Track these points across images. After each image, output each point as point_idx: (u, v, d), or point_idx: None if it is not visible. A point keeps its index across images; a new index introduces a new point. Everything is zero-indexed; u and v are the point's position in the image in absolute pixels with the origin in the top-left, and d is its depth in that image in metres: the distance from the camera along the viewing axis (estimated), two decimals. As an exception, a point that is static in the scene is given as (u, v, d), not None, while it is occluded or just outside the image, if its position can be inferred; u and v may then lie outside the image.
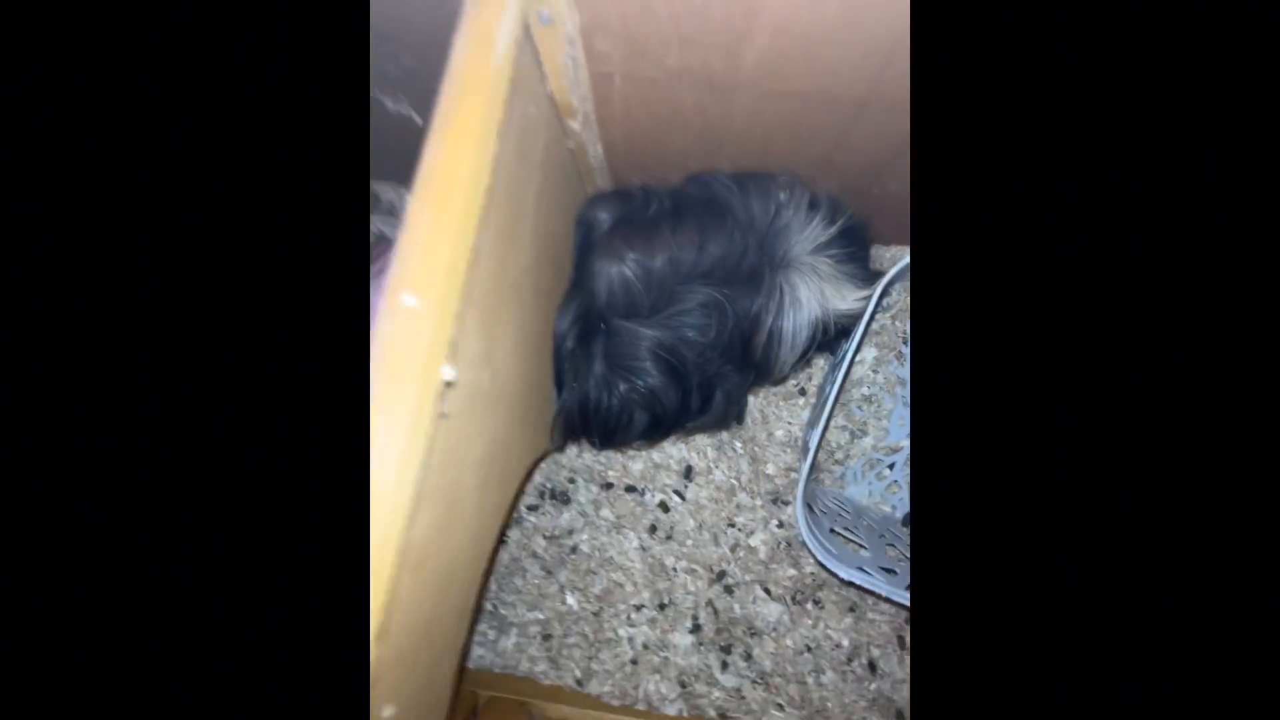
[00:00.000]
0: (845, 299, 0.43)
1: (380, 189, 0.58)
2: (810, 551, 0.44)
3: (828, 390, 0.46)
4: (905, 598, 0.41)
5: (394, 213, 0.58)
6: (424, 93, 0.26)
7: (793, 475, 0.56)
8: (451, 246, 0.24)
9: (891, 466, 0.55)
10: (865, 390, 0.55)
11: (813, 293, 0.44)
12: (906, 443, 0.54)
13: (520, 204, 0.33)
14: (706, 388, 0.49)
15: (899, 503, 0.54)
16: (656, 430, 0.51)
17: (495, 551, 0.57)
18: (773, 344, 0.45)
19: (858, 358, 0.55)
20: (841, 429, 0.55)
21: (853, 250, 0.44)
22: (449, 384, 0.25)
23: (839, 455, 0.55)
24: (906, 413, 0.54)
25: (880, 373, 0.55)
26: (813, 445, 0.44)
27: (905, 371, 0.55)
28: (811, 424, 0.47)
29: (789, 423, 0.57)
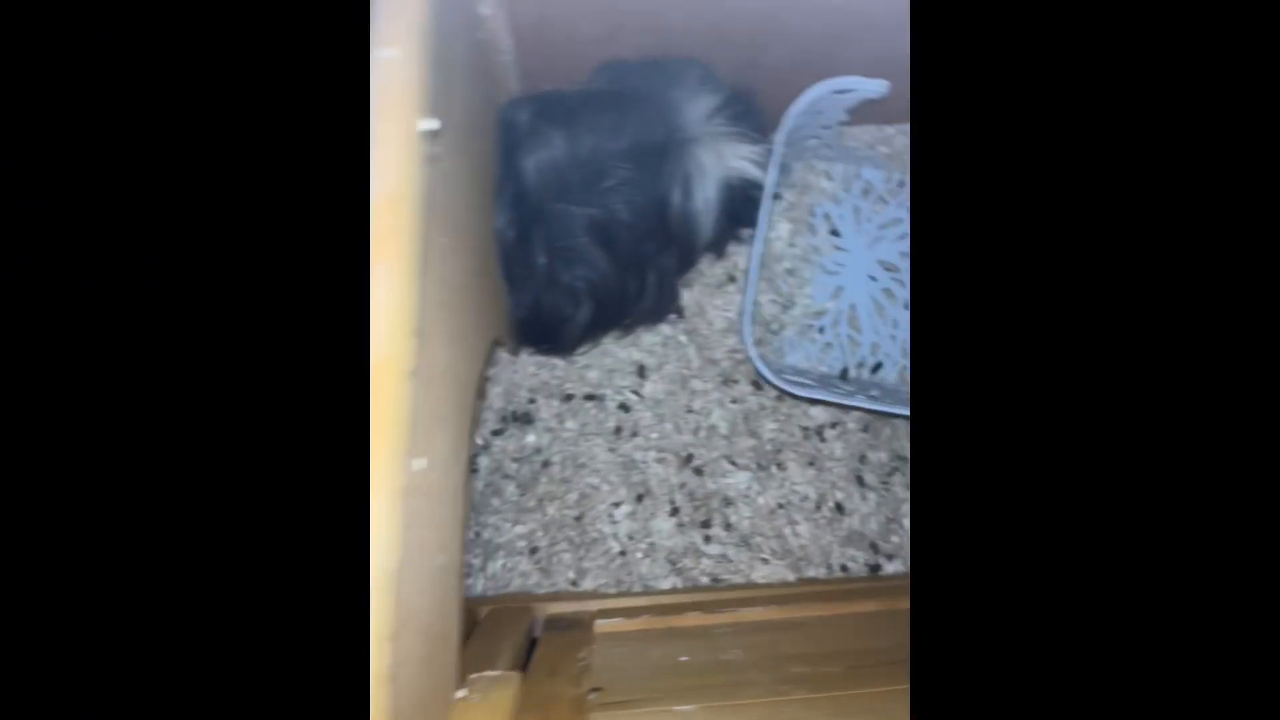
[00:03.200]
0: (742, 154, 0.47)
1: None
2: (770, 382, 0.48)
3: (750, 262, 0.51)
4: (862, 401, 0.47)
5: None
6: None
7: (737, 357, 0.60)
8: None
9: (821, 330, 0.60)
10: (786, 264, 0.60)
11: (713, 157, 0.48)
12: (830, 304, 0.60)
13: (446, 99, 0.34)
14: (639, 271, 0.52)
15: (834, 361, 0.59)
16: (599, 322, 0.54)
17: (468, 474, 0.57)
18: (690, 214, 0.49)
19: (774, 234, 0.60)
20: (773, 302, 0.60)
21: (741, 111, 0.49)
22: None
23: (774, 326, 0.60)
24: (826, 278, 0.60)
25: (797, 245, 0.60)
26: (746, 307, 0.49)
27: (819, 240, 0.60)
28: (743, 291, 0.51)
29: (724, 310, 0.61)
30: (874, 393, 0.53)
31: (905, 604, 0.47)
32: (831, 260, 0.60)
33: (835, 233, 0.60)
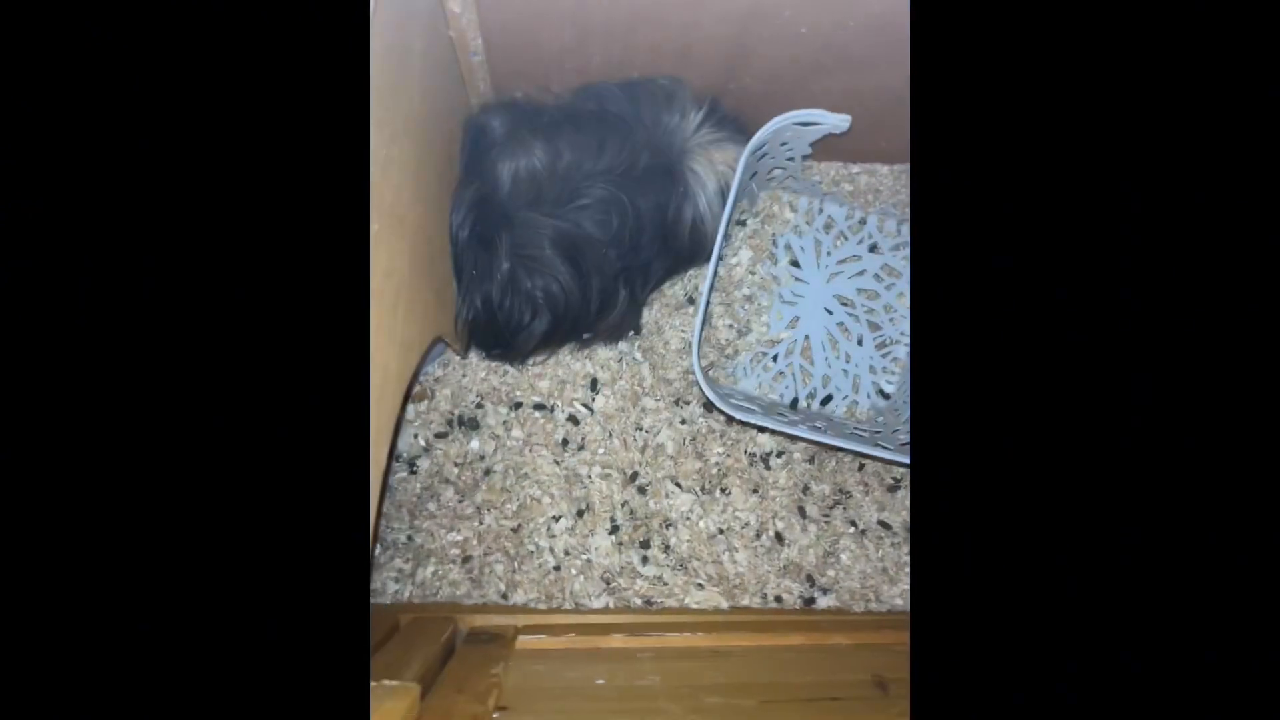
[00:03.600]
0: (730, 158, 0.48)
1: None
2: (715, 404, 0.48)
3: (703, 285, 0.51)
4: (805, 432, 0.47)
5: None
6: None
7: (690, 378, 0.59)
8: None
9: (775, 358, 0.60)
10: (745, 290, 0.60)
11: (707, 166, 0.48)
12: (786, 334, 0.60)
13: (396, 89, 0.34)
14: (607, 290, 0.52)
15: (785, 390, 0.59)
16: (555, 333, 0.53)
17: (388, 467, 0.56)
18: (698, 225, 0.50)
19: (735, 260, 0.60)
20: (729, 327, 0.60)
21: (722, 118, 0.49)
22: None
23: (729, 351, 0.60)
24: (783, 307, 0.60)
25: (757, 273, 0.60)
26: (697, 327, 0.49)
27: (779, 270, 0.60)
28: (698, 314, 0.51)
29: (682, 331, 0.60)
30: (819, 424, 0.53)
31: (834, 639, 0.47)
32: (789, 290, 0.60)
33: (795, 264, 0.60)
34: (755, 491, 0.58)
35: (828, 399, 0.59)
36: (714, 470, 0.58)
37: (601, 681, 0.38)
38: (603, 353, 0.59)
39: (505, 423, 0.57)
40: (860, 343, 0.60)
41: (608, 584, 0.54)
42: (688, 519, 0.57)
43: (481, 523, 0.55)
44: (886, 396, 0.59)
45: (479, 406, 0.58)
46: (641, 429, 0.58)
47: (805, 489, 0.58)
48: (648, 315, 0.60)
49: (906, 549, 0.57)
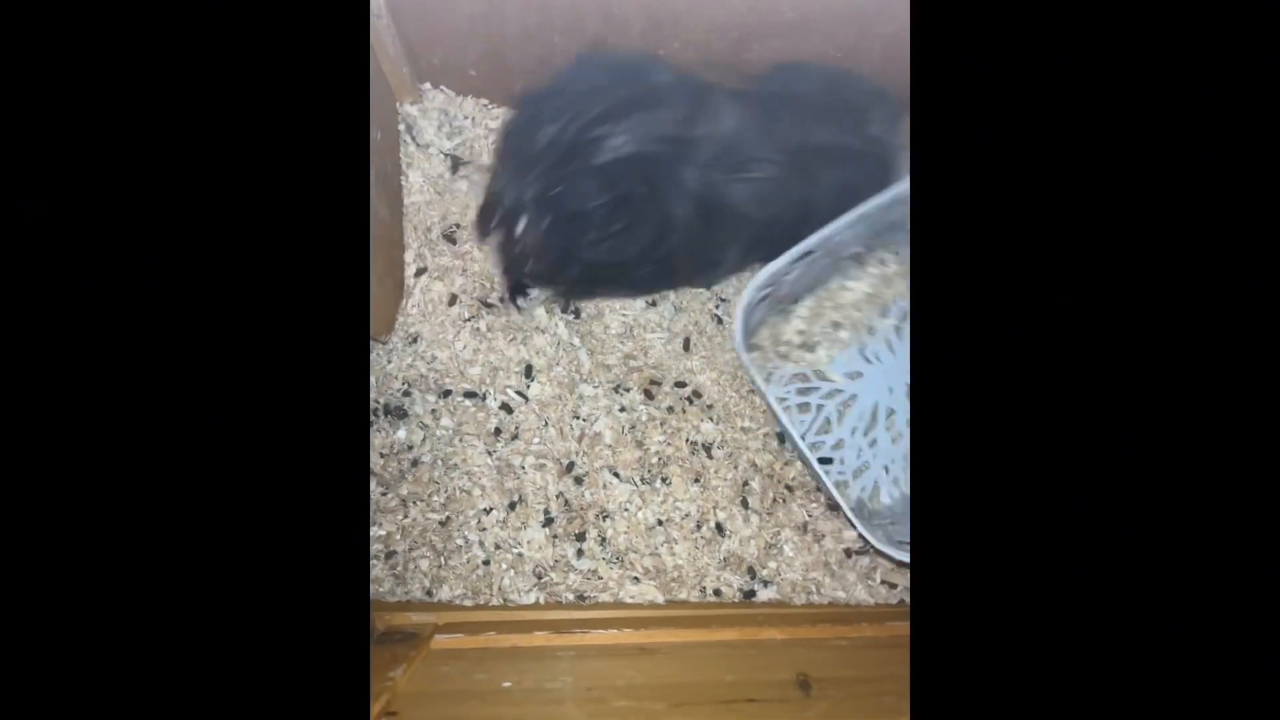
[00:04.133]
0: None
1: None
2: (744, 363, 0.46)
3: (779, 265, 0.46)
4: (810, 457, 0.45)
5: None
6: None
7: (631, 364, 0.57)
8: None
9: (810, 391, 0.57)
10: (838, 316, 0.57)
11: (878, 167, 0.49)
12: (838, 378, 0.57)
13: None
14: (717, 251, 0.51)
15: (796, 421, 0.57)
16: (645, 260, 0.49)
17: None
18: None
19: (850, 284, 0.57)
20: (799, 333, 0.57)
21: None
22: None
23: (781, 349, 0.57)
24: (858, 357, 0.57)
25: (861, 311, 0.57)
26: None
27: (880, 325, 0.57)
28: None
29: (622, 314, 0.58)
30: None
31: (766, 633, 0.45)
32: (873, 350, 0.58)
33: (898, 330, 0.58)
34: (697, 481, 0.55)
35: (828, 460, 0.56)
36: (654, 459, 0.55)
37: (508, 684, 0.36)
38: (538, 339, 0.57)
39: (434, 411, 0.55)
40: (895, 441, 0.56)
41: (539, 579, 0.52)
42: (626, 510, 0.54)
43: (407, 516, 0.52)
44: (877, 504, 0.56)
45: (406, 394, 0.55)
46: (579, 417, 0.56)
47: (746, 481, 0.56)
48: (588, 300, 0.57)
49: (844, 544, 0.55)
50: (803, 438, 0.55)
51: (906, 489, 0.55)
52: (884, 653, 0.41)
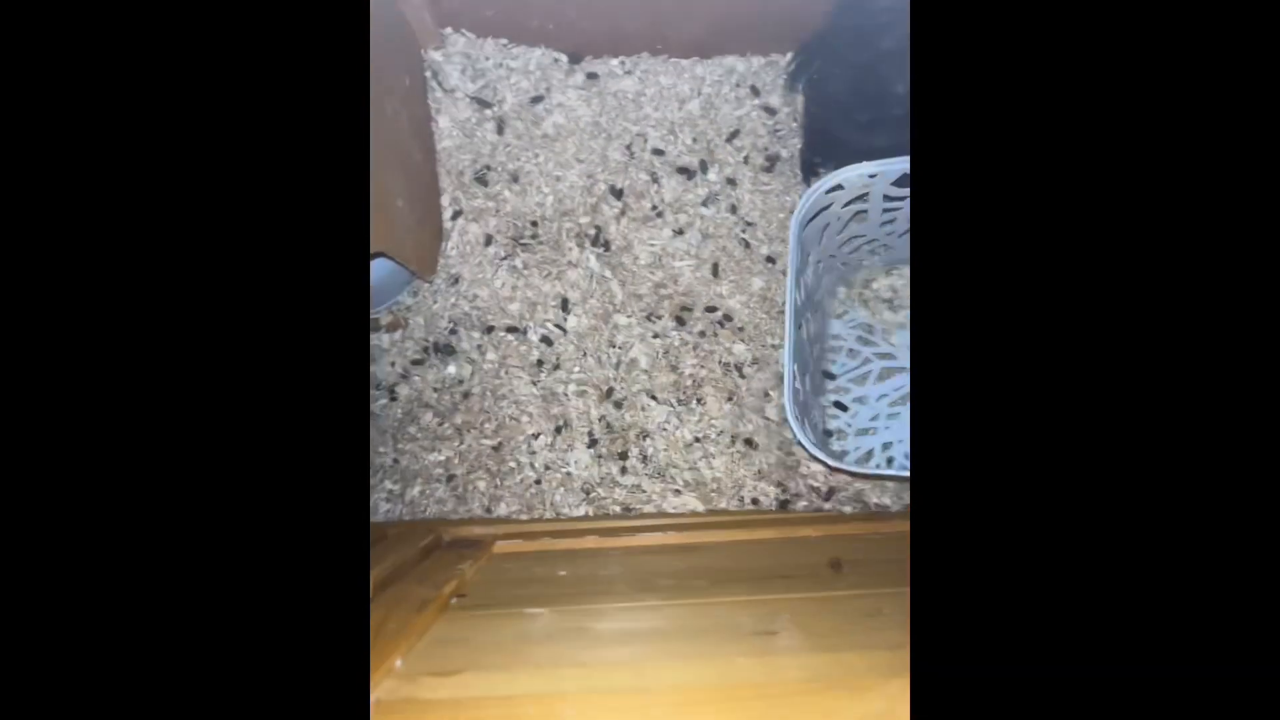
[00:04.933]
0: None
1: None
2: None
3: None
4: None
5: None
6: None
7: (661, 292, 0.59)
8: None
9: (851, 403, 0.58)
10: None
11: None
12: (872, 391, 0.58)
13: None
14: None
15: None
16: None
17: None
18: None
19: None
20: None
21: None
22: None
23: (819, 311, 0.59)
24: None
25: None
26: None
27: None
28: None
29: (650, 244, 0.60)
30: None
31: (803, 532, 0.48)
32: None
33: None
34: (730, 399, 0.58)
35: (843, 407, 0.57)
36: (688, 381, 0.58)
37: (564, 573, 0.40)
38: (571, 273, 0.59)
39: (479, 347, 0.58)
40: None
41: (587, 494, 0.56)
42: (664, 429, 0.57)
43: (462, 443, 0.57)
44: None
45: (453, 333, 0.59)
46: (615, 345, 0.59)
47: (766, 393, 0.58)
48: (614, 230, 0.60)
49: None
50: (833, 376, 0.57)
51: (885, 468, 0.55)
52: (897, 545, 0.43)
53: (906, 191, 0.47)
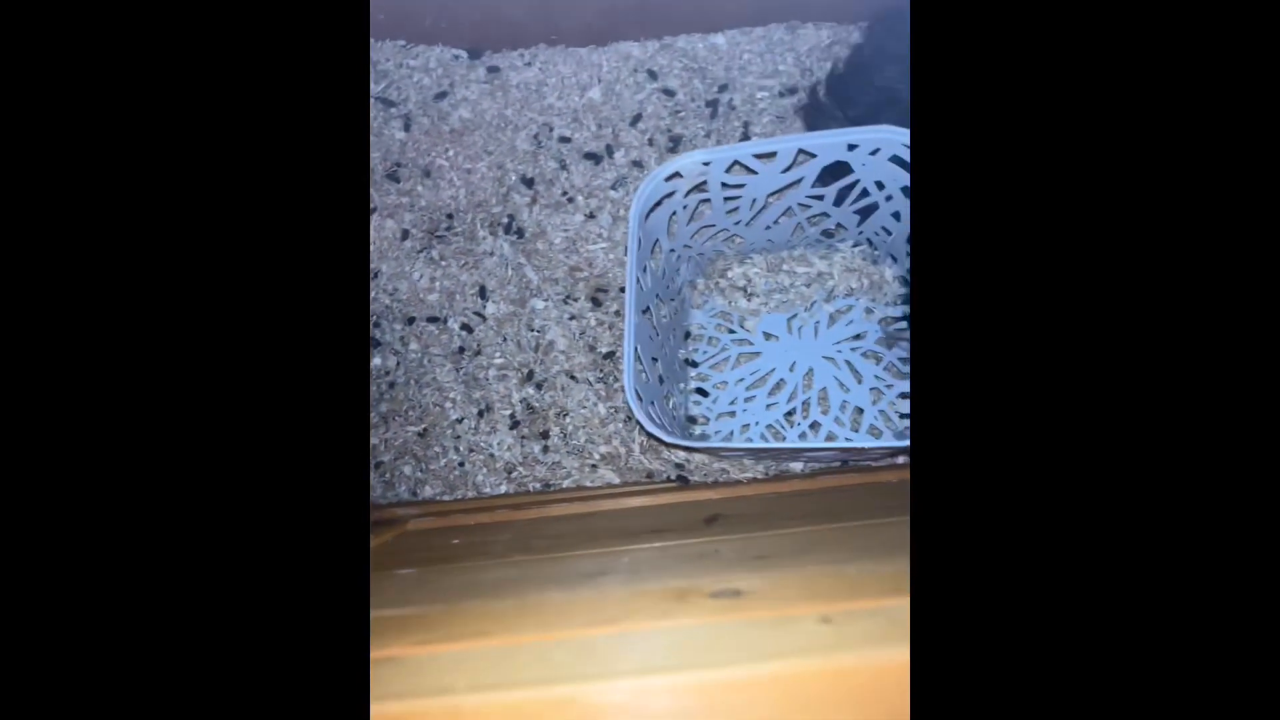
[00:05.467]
0: None
1: None
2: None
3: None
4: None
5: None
6: None
7: (578, 275, 0.61)
8: None
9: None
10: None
11: None
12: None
13: None
14: None
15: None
16: None
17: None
18: None
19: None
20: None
21: None
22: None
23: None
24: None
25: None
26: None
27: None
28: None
29: (563, 229, 0.62)
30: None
31: (693, 495, 0.50)
32: (798, 323, 0.58)
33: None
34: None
35: (704, 393, 0.57)
36: (604, 359, 0.60)
37: (456, 541, 0.42)
38: (487, 262, 0.61)
39: (402, 338, 0.61)
40: (768, 409, 0.56)
41: (509, 474, 0.58)
42: (583, 407, 0.59)
43: (388, 431, 0.59)
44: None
45: (376, 325, 0.61)
46: (533, 329, 0.61)
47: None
48: (527, 217, 0.62)
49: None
50: (695, 364, 0.58)
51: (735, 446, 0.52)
52: (786, 502, 0.45)
53: (744, 180, 0.48)
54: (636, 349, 0.45)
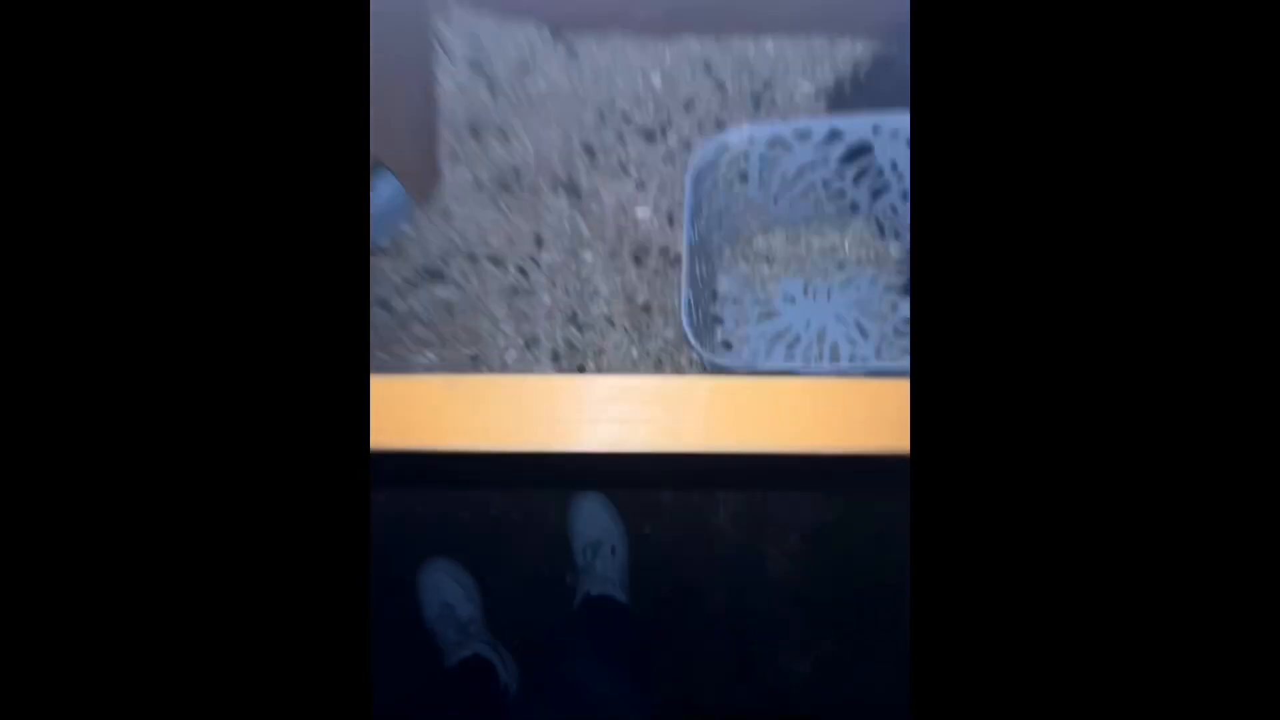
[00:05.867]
0: None
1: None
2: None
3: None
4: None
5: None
6: None
7: (624, 235, 0.69)
8: None
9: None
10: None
11: None
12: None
13: None
14: None
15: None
16: None
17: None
18: None
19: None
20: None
21: None
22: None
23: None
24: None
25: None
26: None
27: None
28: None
29: (616, 194, 0.70)
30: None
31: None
32: (814, 287, 0.65)
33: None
34: (667, 326, 0.67)
35: (727, 345, 0.65)
36: (640, 308, 0.67)
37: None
38: (546, 215, 0.69)
39: (464, 273, 0.68)
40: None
41: (548, 398, 0.65)
42: (617, 350, 0.67)
43: (445, 349, 0.67)
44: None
45: (444, 261, 0.69)
46: (580, 278, 0.68)
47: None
48: (585, 182, 0.70)
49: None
50: (721, 322, 0.66)
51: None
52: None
53: (779, 156, 0.55)
54: (690, 295, 0.53)
